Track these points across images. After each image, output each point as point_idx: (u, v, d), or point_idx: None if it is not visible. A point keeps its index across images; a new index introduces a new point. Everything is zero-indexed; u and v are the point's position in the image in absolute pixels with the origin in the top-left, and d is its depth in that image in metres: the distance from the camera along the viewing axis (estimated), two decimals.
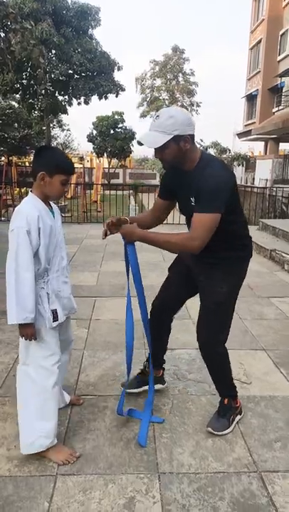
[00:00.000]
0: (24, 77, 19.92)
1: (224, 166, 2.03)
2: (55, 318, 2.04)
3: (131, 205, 13.41)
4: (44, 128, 23.59)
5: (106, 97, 21.38)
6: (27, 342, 2.00)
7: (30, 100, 21.48)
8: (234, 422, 2.35)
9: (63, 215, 11.60)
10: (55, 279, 2.08)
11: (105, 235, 2.19)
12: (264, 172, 16.84)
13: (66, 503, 1.81)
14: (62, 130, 35.58)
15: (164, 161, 2.01)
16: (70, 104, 21.93)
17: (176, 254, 2.44)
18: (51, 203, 2.09)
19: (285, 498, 1.87)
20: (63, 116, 29.91)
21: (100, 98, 21.32)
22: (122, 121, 28.06)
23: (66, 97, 21.63)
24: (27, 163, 21.39)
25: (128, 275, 2.30)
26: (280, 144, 23.79)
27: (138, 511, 1.78)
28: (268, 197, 12.78)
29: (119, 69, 21.22)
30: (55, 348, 2.07)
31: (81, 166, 18.86)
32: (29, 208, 1.94)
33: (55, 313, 2.04)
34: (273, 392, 2.72)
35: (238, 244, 2.19)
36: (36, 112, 23.57)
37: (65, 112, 22.63)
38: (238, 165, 18.23)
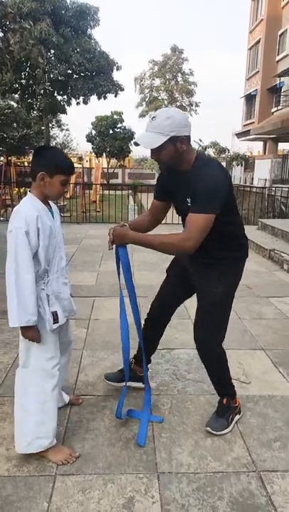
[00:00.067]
0: (23, 76, 19.89)
1: (220, 166, 2.04)
2: (56, 320, 2.02)
3: (130, 205, 13.41)
4: (43, 128, 23.55)
5: (105, 97, 21.36)
6: (27, 344, 1.99)
7: (29, 100, 21.44)
8: (233, 422, 2.35)
9: (62, 215, 11.59)
10: (55, 280, 2.07)
11: (112, 243, 2.15)
12: (263, 172, 16.85)
13: (65, 503, 1.81)
14: (62, 130, 35.63)
15: (160, 162, 2.02)
16: (69, 104, 21.91)
17: (173, 256, 2.45)
18: (50, 202, 2.08)
19: (284, 497, 1.87)
20: (62, 116, 29.95)
21: (99, 98, 21.30)
22: (121, 121, 28.06)
23: (65, 96, 21.59)
24: (26, 163, 21.36)
25: (119, 277, 2.29)
26: (279, 144, 23.80)
27: (137, 511, 1.78)
28: (266, 197, 12.79)
29: (118, 69, 21.20)
30: (55, 350, 2.06)
31: (80, 166, 18.83)
32: (28, 208, 1.92)
33: (55, 315, 2.02)
34: (272, 392, 2.73)
35: (234, 244, 2.20)
36: (35, 112, 23.53)
37: (64, 111, 22.61)
38: (237, 165, 18.22)
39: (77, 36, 19.74)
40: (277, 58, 24.45)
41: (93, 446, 2.18)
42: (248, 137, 26.48)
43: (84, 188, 13.92)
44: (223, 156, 18.62)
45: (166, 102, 41.28)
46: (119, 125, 28.11)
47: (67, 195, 14.66)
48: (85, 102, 21.71)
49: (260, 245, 7.09)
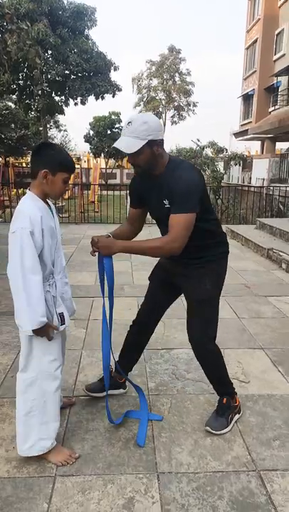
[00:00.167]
0: (21, 77, 19.88)
1: (193, 167, 2.10)
2: (62, 321, 2.01)
3: (128, 205, 13.40)
4: (41, 128, 23.54)
5: (103, 98, 21.37)
6: (30, 347, 1.96)
7: (27, 101, 21.44)
8: (233, 421, 2.35)
9: (61, 215, 11.59)
10: (59, 281, 2.06)
11: (94, 251, 2.18)
12: (261, 171, 16.85)
13: (65, 503, 1.81)
14: (60, 131, 35.66)
15: (137, 167, 2.05)
16: (67, 105, 21.91)
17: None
18: (48, 201, 2.07)
19: (284, 496, 1.87)
20: (60, 117, 29.89)
21: (97, 98, 21.30)
22: (119, 121, 28.07)
23: (63, 97, 21.60)
24: (24, 164, 21.38)
25: (103, 288, 2.27)
26: (277, 144, 23.82)
27: (137, 511, 1.78)
28: (264, 196, 12.79)
29: (115, 69, 21.20)
30: (59, 353, 2.06)
31: (78, 166, 18.83)
32: (31, 208, 1.88)
33: (62, 316, 2.01)
34: (271, 391, 2.73)
35: (214, 242, 2.25)
36: (33, 113, 23.51)
37: (61, 112, 22.60)
38: (235, 164, 18.18)
39: (75, 37, 19.75)
40: (275, 58, 24.46)
41: (93, 446, 2.18)
42: (245, 137, 26.49)
43: (82, 188, 13.92)
44: (221, 155, 18.58)
45: (163, 102, 41.33)
46: (117, 125, 28.12)
47: (66, 196, 14.66)
48: (83, 103, 21.71)
49: (258, 244, 7.10)
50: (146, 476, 1.97)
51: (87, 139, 28.85)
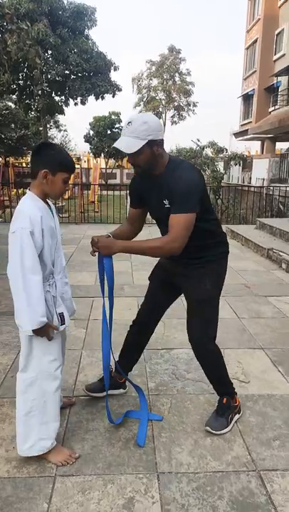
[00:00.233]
0: (21, 77, 19.88)
1: (193, 167, 2.11)
2: (62, 321, 2.01)
3: (128, 205, 13.40)
4: (41, 128, 23.54)
5: (103, 98, 21.37)
6: (30, 348, 1.96)
7: (27, 101, 21.43)
8: (233, 421, 2.35)
9: (61, 215, 11.59)
10: (59, 281, 2.06)
11: (94, 251, 2.18)
12: (261, 171, 16.85)
13: (65, 503, 1.81)
14: (60, 131, 35.66)
15: (137, 167, 2.05)
16: (67, 105, 21.91)
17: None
18: (48, 201, 2.07)
19: (284, 496, 1.87)
20: (60, 117, 29.89)
21: (97, 98, 21.30)
22: (119, 121, 28.07)
23: (63, 97, 21.60)
24: (24, 164, 21.38)
25: (103, 288, 2.27)
26: (277, 144, 23.81)
27: (137, 511, 1.78)
28: (264, 196, 12.78)
29: (115, 69, 21.20)
30: (59, 353, 2.06)
31: (78, 166, 18.83)
32: (31, 208, 1.88)
33: (62, 316, 2.01)
34: (271, 391, 2.73)
35: (214, 242, 2.25)
36: (33, 113, 23.52)
37: (61, 112, 22.60)
38: (235, 164, 18.18)
39: (75, 37, 19.75)
40: (275, 58, 24.46)
41: (93, 446, 2.18)
42: (245, 137, 26.49)
43: (82, 188, 13.93)
44: (221, 155, 18.58)
45: (163, 102, 41.33)
46: (117, 125, 28.12)
47: (66, 196, 14.66)
48: (83, 103, 21.71)
49: (258, 244, 7.10)
50: (146, 476, 1.97)
51: (87, 139, 28.85)
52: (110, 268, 2.14)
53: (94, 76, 20.44)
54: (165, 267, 2.38)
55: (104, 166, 26.41)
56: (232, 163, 17.89)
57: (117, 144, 1.97)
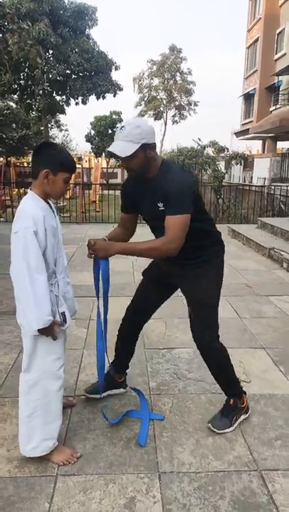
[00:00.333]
0: (22, 77, 19.89)
1: (185, 170, 2.13)
2: (64, 321, 2.02)
3: None
4: (42, 128, 23.56)
5: (104, 97, 21.36)
6: (33, 347, 1.96)
7: (28, 101, 21.45)
8: (237, 422, 2.34)
9: (62, 215, 11.59)
10: (62, 281, 2.07)
11: (91, 254, 2.18)
12: (262, 171, 16.84)
13: (67, 503, 1.81)
14: (61, 130, 35.65)
15: (130, 170, 2.08)
16: (68, 104, 21.91)
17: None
18: (49, 201, 2.07)
19: (286, 496, 1.87)
20: (61, 117, 29.95)
21: (98, 98, 21.30)
22: (120, 121, 28.06)
23: (64, 97, 21.60)
24: (25, 164, 21.37)
25: (98, 291, 2.26)
26: (278, 143, 23.79)
27: (139, 511, 1.78)
28: (266, 195, 12.77)
29: (116, 69, 21.19)
30: (61, 352, 2.06)
31: (79, 166, 18.82)
32: (33, 208, 1.88)
33: (64, 315, 2.02)
34: (273, 391, 2.72)
35: (209, 241, 2.27)
36: (34, 113, 23.53)
37: (62, 112, 22.61)
38: (236, 164, 18.18)
39: (76, 36, 19.74)
40: (276, 57, 24.43)
41: (94, 446, 2.18)
42: (246, 136, 26.47)
43: (83, 188, 13.93)
44: (222, 155, 18.58)
45: (164, 101, 41.30)
46: (118, 125, 28.08)
47: (67, 196, 14.65)
48: (84, 102, 21.71)
49: (259, 244, 7.09)
50: (148, 476, 1.97)
51: (89, 138, 28.88)
52: (107, 271, 2.15)
53: (95, 75, 20.44)
54: (160, 266, 2.39)
55: (106, 166, 26.42)
56: (233, 162, 17.90)
57: (111, 148, 1.99)
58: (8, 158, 24.88)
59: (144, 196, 2.14)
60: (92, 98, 21.46)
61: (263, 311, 4.25)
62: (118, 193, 12.47)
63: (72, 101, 21.64)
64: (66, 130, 36.62)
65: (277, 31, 24.14)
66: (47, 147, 1.98)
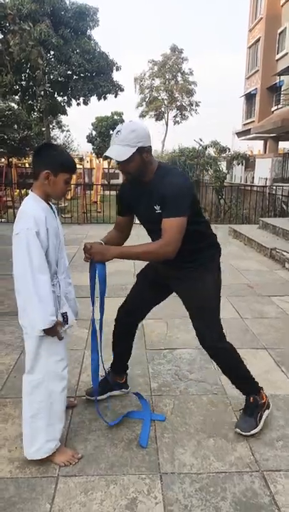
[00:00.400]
0: (23, 78, 19.92)
1: (182, 173, 2.20)
2: (66, 321, 2.02)
3: None
4: (44, 129, 23.60)
5: (105, 98, 21.38)
6: (36, 349, 1.95)
7: (30, 101, 21.48)
8: (262, 419, 2.32)
9: (63, 215, 11.59)
10: (63, 281, 2.07)
11: (88, 258, 2.18)
12: (264, 171, 16.81)
13: (68, 504, 1.81)
14: (62, 131, 35.65)
15: (127, 174, 2.08)
16: (70, 105, 21.94)
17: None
18: (49, 202, 2.07)
19: (288, 497, 1.86)
20: (63, 117, 29.95)
21: (99, 99, 21.32)
22: (122, 121, 28.08)
23: (65, 97, 21.63)
24: (27, 165, 21.40)
25: (93, 295, 2.26)
26: (280, 143, 23.74)
27: None
28: (267, 195, 12.75)
29: (117, 69, 21.21)
30: (65, 352, 2.05)
31: (81, 166, 18.84)
32: (35, 209, 1.89)
33: (65, 316, 2.01)
34: (274, 391, 2.72)
35: (206, 243, 2.27)
36: (36, 113, 23.56)
37: (64, 112, 22.64)
38: (238, 164, 18.16)
39: (77, 37, 19.77)
40: (277, 57, 24.40)
41: (95, 447, 2.17)
42: (248, 136, 26.44)
43: (85, 188, 13.93)
44: (224, 155, 18.56)
45: (166, 101, 41.31)
46: (121, 124, 28.13)
47: (68, 196, 14.65)
48: (85, 103, 21.73)
49: (261, 244, 7.08)
50: (149, 477, 1.97)
51: (90, 139, 28.92)
52: (103, 276, 2.15)
53: (96, 76, 20.46)
54: (157, 269, 2.38)
55: (107, 166, 26.42)
56: (235, 162, 17.87)
57: (108, 153, 2.02)
58: (10, 159, 24.90)
59: (140, 199, 2.15)
60: (94, 99, 21.50)
61: (265, 311, 4.24)
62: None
63: (73, 102, 21.68)
64: (68, 131, 36.59)
65: (279, 31, 24.11)
66: (48, 148, 1.98)
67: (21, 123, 25.84)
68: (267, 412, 2.37)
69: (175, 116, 42.16)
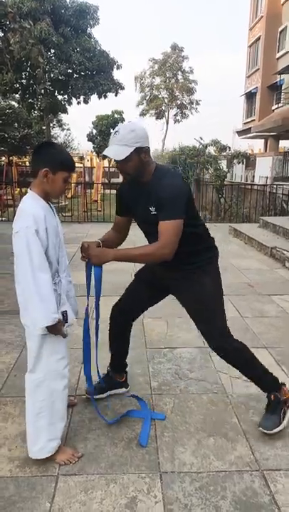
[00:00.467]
0: (23, 76, 19.88)
1: (179, 175, 2.21)
2: (66, 320, 2.02)
3: None
4: (44, 127, 23.56)
5: (105, 96, 21.34)
6: (38, 347, 1.95)
7: (30, 100, 21.44)
8: (287, 416, 2.30)
9: (64, 214, 11.59)
10: (64, 279, 2.07)
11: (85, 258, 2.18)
12: (264, 169, 16.79)
13: (68, 503, 1.81)
14: (62, 129, 35.63)
15: (125, 174, 2.09)
16: (70, 104, 21.89)
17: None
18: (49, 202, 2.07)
19: (288, 496, 1.86)
20: (63, 116, 29.95)
21: (100, 97, 21.28)
22: (122, 120, 28.03)
23: (66, 96, 21.58)
24: (27, 163, 21.37)
25: (88, 296, 2.25)
26: (280, 142, 23.73)
27: (140, 511, 1.78)
28: (268, 194, 12.75)
29: (118, 68, 21.16)
30: (66, 351, 2.06)
31: (81, 165, 18.82)
32: (34, 208, 1.88)
33: (65, 314, 2.01)
34: None
35: (203, 246, 2.27)
36: (36, 112, 23.52)
37: (64, 111, 22.60)
38: (238, 163, 18.15)
39: (77, 35, 19.71)
40: (278, 55, 24.36)
41: (95, 446, 2.17)
42: (248, 135, 26.41)
43: (85, 187, 13.92)
44: (224, 154, 18.55)
45: (166, 100, 41.26)
46: (119, 124, 28.09)
47: (69, 195, 14.65)
48: (86, 102, 21.69)
49: (261, 243, 7.07)
50: (149, 476, 1.97)
51: (90, 137, 28.84)
52: (99, 276, 2.15)
53: (97, 75, 20.41)
54: (155, 271, 2.37)
55: (108, 165, 26.41)
56: (235, 161, 17.87)
57: (106, 152, 2.02)
58: (10, 158, 24.86)
59: (138, 200, 2.15)
60: (94, 97, 21.45)
61: (265, 310, 4.23)
62: None
63: (74, 100, 21.63)
64: (68, 129, 36.51)
65: (280, 29, 24.07)
66: (47, 146, 1.99)
67: (22, 121, 25.78)
68: None
69: (175, 115, 42.13)
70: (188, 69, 40.09)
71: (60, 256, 2.04)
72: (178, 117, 42.03)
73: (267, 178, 15.84)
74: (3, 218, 11.04)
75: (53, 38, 18.14)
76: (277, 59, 24.34)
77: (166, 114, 42.30)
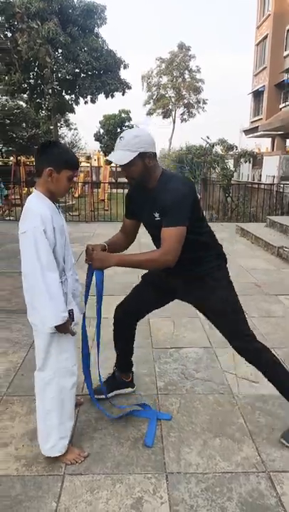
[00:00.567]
0: (31, 76, 19.97)
1: (185, 180, 2.19)
2: (72, 318, 2.03)
3: None
4: (51, 127, 23.63)
5: (112, 96, 21.37)
6: (46, 346, 1.96)
7: (38, 100, 21.53)
8: None
9: (71, 214, 11.63)
10: (71, 278, 2.08)
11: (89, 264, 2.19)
12: (271, 168, 16.69)
13: (74, 502, 1.81)
14: (70, 129, 35.67)
15: (130, 178, 2.09)
16: (77, 103, 21.95)
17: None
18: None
19: None
20: (70, 116, 29.99)
21: (107, 97, 21.31)
22: (129, 119, 28.12)
23: (73, 96, 21.64)
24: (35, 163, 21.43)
25: (86, 300, 2.26)
26: (287, 141, 23.58)
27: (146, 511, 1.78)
28: (275, 193, 12.67)
29: (125, 67, 21.18)
30: (74, 349, 2.06)
31: (88, 165, 18.85)
32: (41, 207, 1.89)
33: (71, 313, 2.02)
34: None
35: (212, 254, 2.26)
36: (44, 112, 23.61)
37: (72, 111, 22.66)
38: (245, 162, 18.05)
39: (85, 35, 19.75)
40: (285, 54, 24.21)
41: (102, 445, 2.18)
42: (255, 134, 26.27)
43: (92, 186, 13.95)
44: (231, 153, 18.46)
45: (173, 99, 41.19)
46: (127, 123, 28.15)
47: (76, 194, 14.68)
48: (93, 101, 21.74)
49: (268, 243, 7.04)
50: (155, 476, 1.97)
51: (98, 137, 28.93)
52: (101, 283, 2.16)
53: (104, 74, 20.44)
54: (160, 276, 2.35)
55: (115, 165, 26.56)
56: (242, 160, 17.77)
57: (110, 157, 2.04)
58: (18, 158, 24.97)
59: (144, 205, 2.15)
60: (101, 97, 21.50)
61: (272, 310, 4.21)
62: (127, 191, 12.55)
63: (81, 100, 21.69)
64: (75, 129, 36.54)
65: (287, 28, 23.93)
66: (50, 146, 1.99)
67: (29, 121, 25.92)
68: None
69: (182, 114, 42.03)
70: (195, 68, 40.02)
71: (66, 255, 2.05)
72: (185, 116, 41.98)
73: (274, 177, 15.74)
74: (11, 218, 11.09)
75: (61, 38, 18.18)
76: (285, 57, 24.19)
77: (173, 113, 42.24)
